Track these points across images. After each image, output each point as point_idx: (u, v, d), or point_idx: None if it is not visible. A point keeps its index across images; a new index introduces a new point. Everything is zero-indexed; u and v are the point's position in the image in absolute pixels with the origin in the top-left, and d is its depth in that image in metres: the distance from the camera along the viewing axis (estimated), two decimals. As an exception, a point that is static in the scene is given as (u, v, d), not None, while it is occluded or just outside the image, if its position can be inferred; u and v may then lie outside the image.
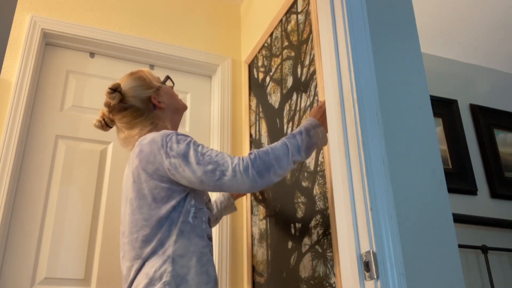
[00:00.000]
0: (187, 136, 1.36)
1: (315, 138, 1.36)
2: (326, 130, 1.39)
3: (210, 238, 1.37)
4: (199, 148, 1.30)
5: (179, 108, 1.58)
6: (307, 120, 1.41)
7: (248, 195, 2.15)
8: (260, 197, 2.04)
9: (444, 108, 3.05)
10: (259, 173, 1.25)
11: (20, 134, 1.97)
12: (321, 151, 1.58)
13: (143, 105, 1.50)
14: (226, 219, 2.20)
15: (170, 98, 1.56)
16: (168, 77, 1.60)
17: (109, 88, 1.49)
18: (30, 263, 1.88)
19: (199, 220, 1.34)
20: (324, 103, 1.45)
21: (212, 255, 1.35)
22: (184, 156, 1.28)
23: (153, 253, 1.27)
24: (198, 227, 1.33)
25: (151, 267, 1.25)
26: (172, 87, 1.62)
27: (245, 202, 2.24)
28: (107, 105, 1.53)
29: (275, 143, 1.33)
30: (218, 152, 1.30)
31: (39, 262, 1.90)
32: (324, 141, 1.40)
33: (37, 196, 1.98)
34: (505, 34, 3.11)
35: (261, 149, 1.30)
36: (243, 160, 1.26)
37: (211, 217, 1.41)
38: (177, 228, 1.29)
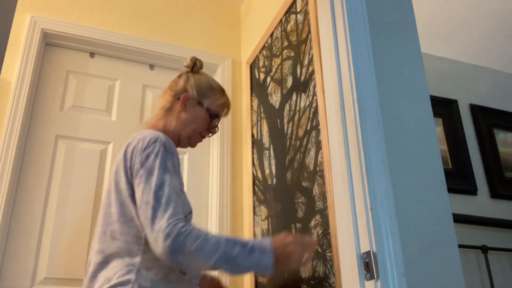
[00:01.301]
0: (169, 155, 1.27)
1: (252, 262, 1.16)
2: (283, 266, 1.21)
3: None
4: (166, 179, 1.21)
5: (185, 135, 1.46)
6: (265, 240, 1.21)
7: (250, 196, 2.15)
8: (262, 197, 2.05)
9: (444, 108, 3.05)
10: (172, 250, 1.11)
11: (20, 134, 1.97)
12: (320, 151, 1.58)
13: (181, 89, 1.48)
14: (226, 219, 2.20)
15: (192, 119, 1.46)
16: (216, 116, 1.50)
17: (195, 57, 1.52)
18: (30, 263, 1.88)
19: None
20: (310, 248, 1.26)
21: (184, 273, 1.26)
22: (149, 172, 1.22)
23: (118, 254, 1.21)
24: None
25: (114, 272, 1.19)
26: (209, 127, 1.51)
27: (246, 203, 2.24)
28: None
29: (219, 237, 1.16)
30: (173, 197, 1.19)
31: (39, 262, 1.90)
32: (263, 271, 1.18)
33: (37, 196, 1.98)
34: (506, 35, 3.11)
35: (201, 231, 1.15)
36: (174, 225, 1.12)
37: None
38: (140, 253, 1.21)
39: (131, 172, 1.27)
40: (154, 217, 1.15)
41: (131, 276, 1.17)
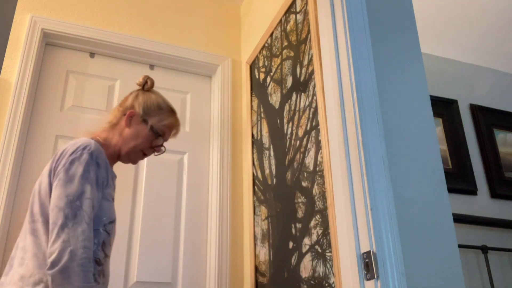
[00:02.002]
0: (93, 166, 1.27)
1: None
2: None
3: (98, 262, 1.25)
4: (86, 190, 1.22)
5: (125, 151, 1.47)
6: None
7: (250, 196, 2.15)
8: (262, 197, 2.05)
9: (444, 108, 3.05)
10: (60, 269, 1.13)
11: (20, 134, 1.97)
12: (320, 151, 1.58)
13: (128, 106, 1.51)
14: (226, 219, 2.20)
15: (135, 136, 1.47)
16: (159, 135, 1.51)
17: (148, 77, 1.56)
18: (30, 263, 1.88)
19: None
20: None
21: (98, 280, 1.24)
22: (70, 178, 1.23)
23: (36, 254, 1.23)
24: None
25: (29, 270, 1.21)
26: (151, 145, 1.51)
27: (246, 203, 2.24)
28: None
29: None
30: (88, 210, 1.21)
31: (39, 262, 1.90)
32: None
33: (37, 196, 1.98)
34: (505, 34, 3.11)
35: (90, 265, 1.17)
36: (81, 247, 1.15)
37: (107, 240, 1.31)
38: None
39: (53, 173, 1.29)
40: (64, 225, 1.18)
41: (44, 276, 1.20)
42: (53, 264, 1.14)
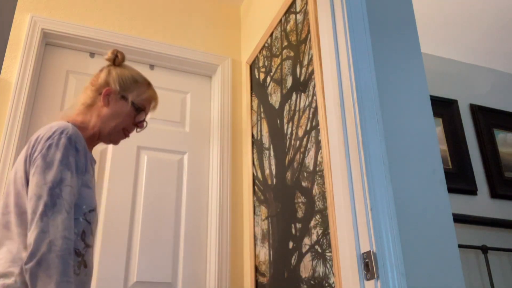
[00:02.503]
0: (72, 150, 1.19)
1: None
2: None
3: (78, 253, 1.19)
4: (66, 177, 1.15)
5: (106, 132, 1.38)
6: None
7: (250, 196, 2.15)
8: (262, 197, 2.05)
9: (444, 108, 3.05)
10: (38, 262, 1.05)
11: (20, 134, 1.97)
12: (320, 151, 1.58)
13: (102, 83, 1.39)
14: (226, 219, 2.20)
15: (115, 114, 1.38)
16: (142, 110, 1.43)
17: (118, 52, 1.43)
18: (30, 263, 1.88)
19: None
20: None
21: (77, 272, 1.18)
22: (48, 165, 1.15)
23: (7, 246, 1.16)
24: None
25: (1, 266, 1.13)
26: (134, 122, 1.42)
27: (246, 203, 2.24)
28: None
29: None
30: (69, 198, 1.14)
31: (39, 262, 1.90)
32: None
33: (37, 196, 1.98)
34: (505, 34, 3.11)
35: (70, 257, 1.09)
36: (61, 238, 1.08)
37: (88, 230, 1.23)
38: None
39: (29, 160, 1.20)
40: (44, 214, 1.10)
41: (15, 269, 1.11)
42: (31, 256, 1.06)
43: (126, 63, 1.50)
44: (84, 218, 1.22)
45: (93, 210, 1.26)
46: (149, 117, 1.49)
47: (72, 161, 1.19)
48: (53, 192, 1.13)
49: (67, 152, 1.19)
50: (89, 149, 1.37)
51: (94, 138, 1.39)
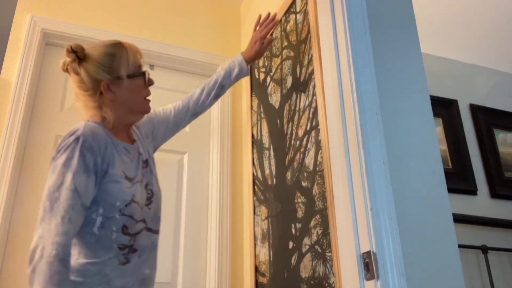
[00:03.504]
0: (78, 151, 1.17)
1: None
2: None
3: (122, 247, 1.21)
4: (66, 180, 1.14)
5: (133, 110, 1.36)
6: None
7: (250, 196, 2.15)
8: (262, 197, 2.05)
9: (444, 108, 3.05)
10: (32, 268, 1.06)
11: (20, 134, 1.97)
12: (320, 151, 1.58)
13: (91, 83, 1.29)
14: (226, 219, 2.20)
15: (128, 94, 1.32)
16: (143, 73, 1.37)
17: (70, 46, 1.30)
18: (30, 263, 1.88)
19: (107, 230, 1.19)
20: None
21: (123, 263, 1.21)
22: (53, 169, 1.16)
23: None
24: (104, 238, 1.19)
25: None
26: (145, 85, 1.38)
27: (246, 203, 2.24)
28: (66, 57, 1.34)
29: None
30: (67, 202, 1.12)
31: (39, 262, 1.90)
32: None
33: (37, 196, 1.98)
34: (505, 34, 3.11)
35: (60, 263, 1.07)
36: (50, 248, 1.06)
37: (130, 223, 1.22)
38: (80, 238, 1.19)
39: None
40: (42, 220, 1.11)
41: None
42: (29, 262, 1.06)
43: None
44: (121, 214, 1.21)
45: (130, 202, 1.23)
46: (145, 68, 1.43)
47: (76, 162, 1.16)
48: (52, 196, 1.13)
49: (73, 153, 1.17)
50: (123, 138, 1.34)
51: (122, 125, 1.35)
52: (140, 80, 1.36)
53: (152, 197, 1.33)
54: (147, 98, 1.39)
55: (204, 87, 1.71)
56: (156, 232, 1.34)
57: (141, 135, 1.46)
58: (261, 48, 1.80)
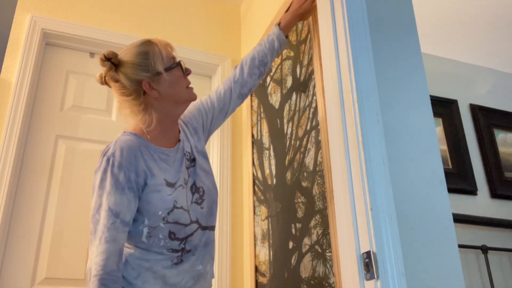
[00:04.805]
0: (108, 171, 1.22)
1: None
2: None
3: (173, 250, 1.26)
4: (102, 201, 1.21)
5: (180, 101, 1.38)
6: None
7: (250, 196, 2.15)
8: (262, 197, 2.05)
9: (444, 108, 3.05)
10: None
11: (20, 134, 1.97)
12: (320, 151, 1.58)
13: (132, 85, 1.31)
14: (226, 219, 2.20)
15: (170, 88, 1.34)
16: (178, 64, 1.39)
17: (103, 54, 1.30)
18: (30, 263, 1.88)
19: (154, 238, 1.25)
20: None
21: (176, 263, 1.27)
22: (93, 191, 1.25)
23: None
24: (154, 245, 1.25)
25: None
26: (184, 75, 1.40)
27: (246, 203, 2.24)
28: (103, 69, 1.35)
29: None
30: (106, 223, 1.19)
31: (39, 262, 1.90)
32: None
33: (37, 196, 1.98)
34: (505, 34, 3.11)
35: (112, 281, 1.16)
36: (97, 265, 1.15)
37: (176, 229, 1.26)
38: (133, 243, 1.27)
39: None
40: (90, 242, 1.20)
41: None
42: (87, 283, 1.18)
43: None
44: (165, 222, 1.25)
45: (172, 209, 1.25)
46: (179, 58, 1.44)
47: (108, 182, 1.21)
48: (94, 219, 1.21)
49: (105, 175, 1.22)
50: (163, 143, 1.35)
51: (169, 121, 1.37)
52: (178, 71, 1.38)
53: (204, 194, 1.36)
54: (189, 86, 1.42)
55: (243, 67, 1.62)
56: (212, 228, 1.37)
57: (189, 132, 1.46)
58: (311, 6, 1.67)
